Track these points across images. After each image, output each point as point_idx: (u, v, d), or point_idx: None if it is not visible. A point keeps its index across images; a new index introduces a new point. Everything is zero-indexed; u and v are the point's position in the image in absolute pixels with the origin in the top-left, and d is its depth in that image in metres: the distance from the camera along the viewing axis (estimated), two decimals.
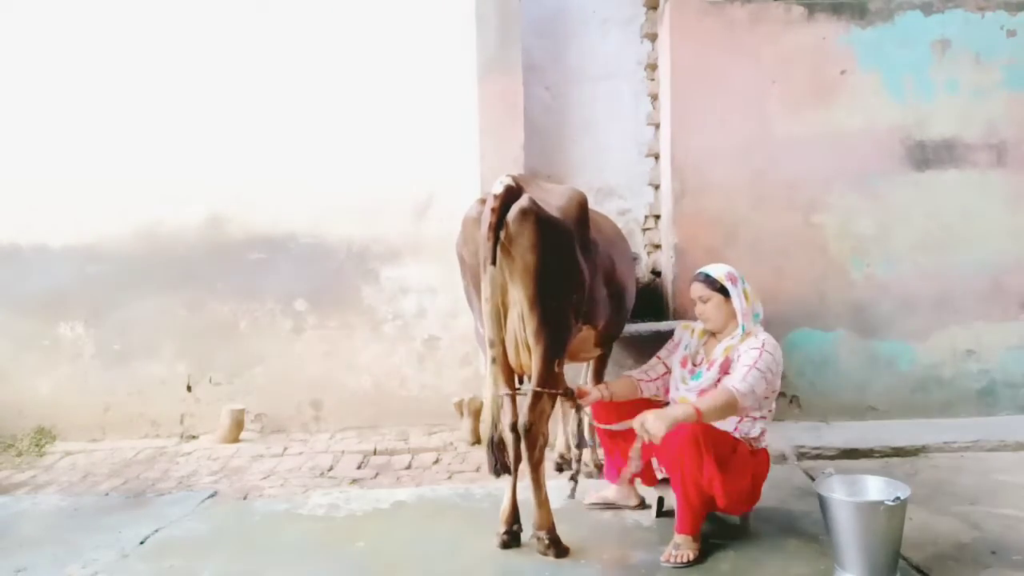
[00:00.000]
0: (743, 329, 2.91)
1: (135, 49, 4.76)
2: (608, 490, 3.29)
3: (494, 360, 2.76)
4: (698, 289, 3.00)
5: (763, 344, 2.83)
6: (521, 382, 2.91)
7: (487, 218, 2.60)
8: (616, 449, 3.14)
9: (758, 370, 2.75)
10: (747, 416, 2.86)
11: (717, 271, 3.00)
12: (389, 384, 4.87)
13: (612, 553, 2.84)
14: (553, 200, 2.83)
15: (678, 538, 2.74)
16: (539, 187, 2.95)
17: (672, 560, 2.69)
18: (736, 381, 2.73)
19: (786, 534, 2.97)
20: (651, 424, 2.59)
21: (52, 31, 4.75)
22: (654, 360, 3.19)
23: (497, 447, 2.78)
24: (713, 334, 3.04)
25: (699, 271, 3.05)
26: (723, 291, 2.94)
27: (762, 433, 2.91)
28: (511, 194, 2.65)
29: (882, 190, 4.63)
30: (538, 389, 2.76)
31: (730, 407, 2.70)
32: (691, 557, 2.70)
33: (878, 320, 4.64)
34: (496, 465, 2.80)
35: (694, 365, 3.02)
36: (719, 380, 2.85)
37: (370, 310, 4.88)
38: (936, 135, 4.64)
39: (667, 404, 2.99)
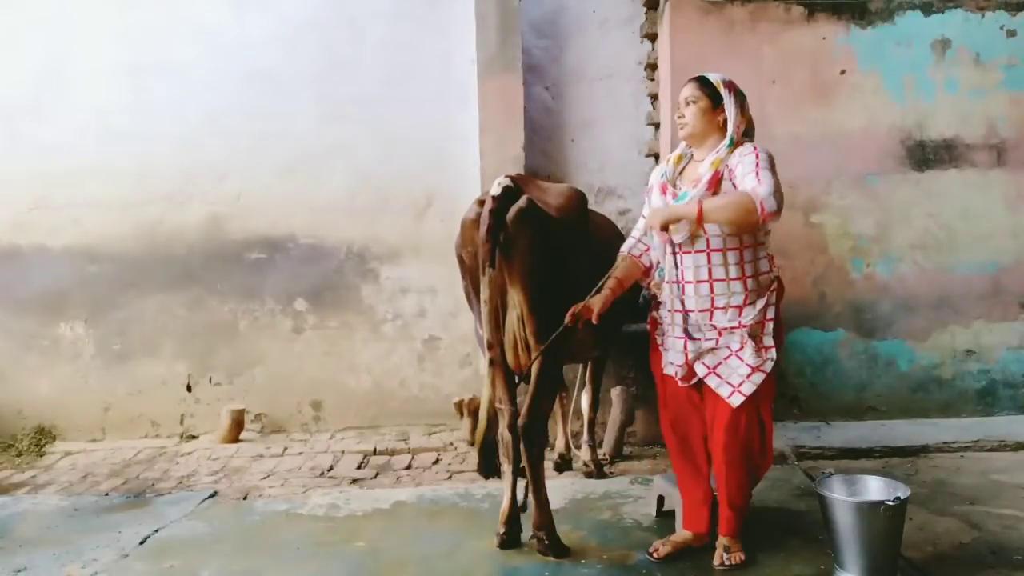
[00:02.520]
0: (731, 141, 2.56)
1: (136, 50, 4.75)
2: (677, 535, 2.88)
3: (492, 362, 2.76)
4: (688, 90, 2.64)
5: (755, 148, 2.52)
6: (519, 383, 2.91)
7: (485, 220, 2.59)
8: (696, 491, 2.82)
9: (767, 169, 2.43)
10: (752, 267, 2.55)
11: (714, 75, 2.65)
12: (389, 384, 4.87)
13: (612, 553, 2.83)
14: (552, 199, 2.83)
15: (726, 540, 2.71)
16: (537, 187, 2.94)
17: (728, 563, 2.67)
18: (751, 184, 2.39)
19: (786, 534, 2.96)
20: (652, 219, 2.58)
21: (53, 33, 4.74)
22: (640, 222, 2.84)
23: (490, 449, 2.77)
24: (691, 158, 2.70)
25: (697, 75, 2.71)
26: (714, 98, 2.61)
27: (770, 266, 2.64)
28: (509, 195, 2.64)
29: (882, 190, 4.63)
30: (539, 388, 2.75)
31: (743, 208, 2.36)
32: (743, 558, 2.69)
33: (878, 320, 4.64)
34: (487, 467, 2.79)
35: (675, 188, 2.68)
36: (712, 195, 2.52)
37: (370, 310, 4.87)
38: (936, 135, 4.63)
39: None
